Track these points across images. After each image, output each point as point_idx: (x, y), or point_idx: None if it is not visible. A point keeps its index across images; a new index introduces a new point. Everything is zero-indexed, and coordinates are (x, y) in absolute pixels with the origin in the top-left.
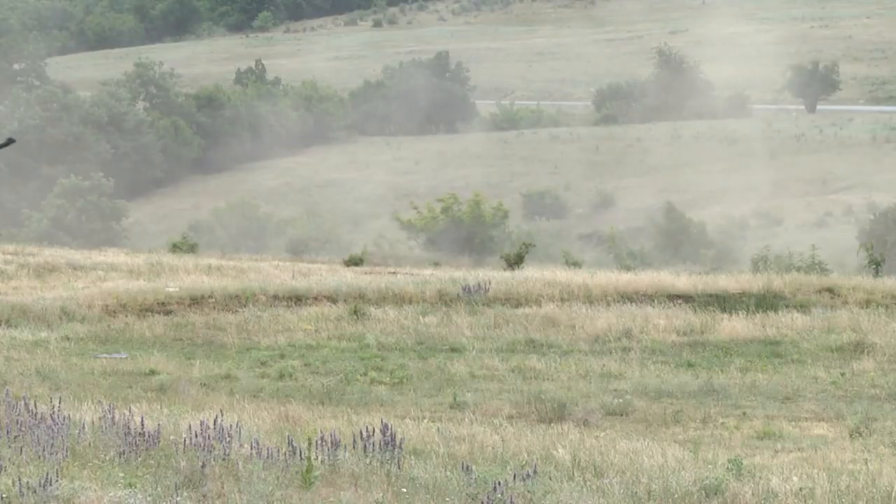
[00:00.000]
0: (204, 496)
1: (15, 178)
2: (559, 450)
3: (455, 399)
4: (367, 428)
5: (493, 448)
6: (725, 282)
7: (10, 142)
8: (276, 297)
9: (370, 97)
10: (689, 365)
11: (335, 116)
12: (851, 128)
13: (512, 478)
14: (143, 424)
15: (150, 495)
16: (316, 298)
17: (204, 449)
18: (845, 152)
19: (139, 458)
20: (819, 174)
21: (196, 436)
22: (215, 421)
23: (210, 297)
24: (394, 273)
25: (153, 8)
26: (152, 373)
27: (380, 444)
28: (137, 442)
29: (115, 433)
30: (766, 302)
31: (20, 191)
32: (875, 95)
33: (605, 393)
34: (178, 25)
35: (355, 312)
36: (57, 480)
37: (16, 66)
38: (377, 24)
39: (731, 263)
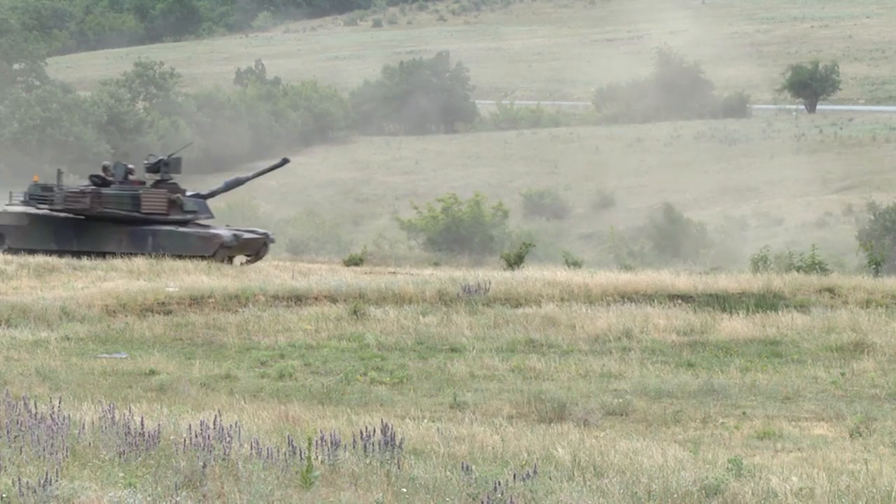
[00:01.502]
0: (204, 496)
1: (15, 178)
2: (559, 450)
3: (455, 399)
4: (367, 428)
5: (493, 448)
6: (725, 282)
7: (284, 162)
8: (276, 297)
9: (370, 97)
10: (689, 365)
11: (335, 116)
12: (851, 128)
13: (512, 478)
14: (143, 424)
15: (150, 495)
16: (316, 298)
17: (204, 449)
18: (845, 152)
19: (139, 458)
20: (819, 174)
21: (196, 436)
22: (215, 421)
23: (210, 297)
24: (394, 273)
25: (153, 8)
26: (152, 373)
27: (380, 444)
28: (137, 442)
29: (115, 433)
30: (766, 302)
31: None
32: (875, 95)
33: (605, 393)
34: (178, 25)
35: (355, 312)
36: (57, 480)
37: (16, 66)
38: (377, 24)
39: (731, 263)
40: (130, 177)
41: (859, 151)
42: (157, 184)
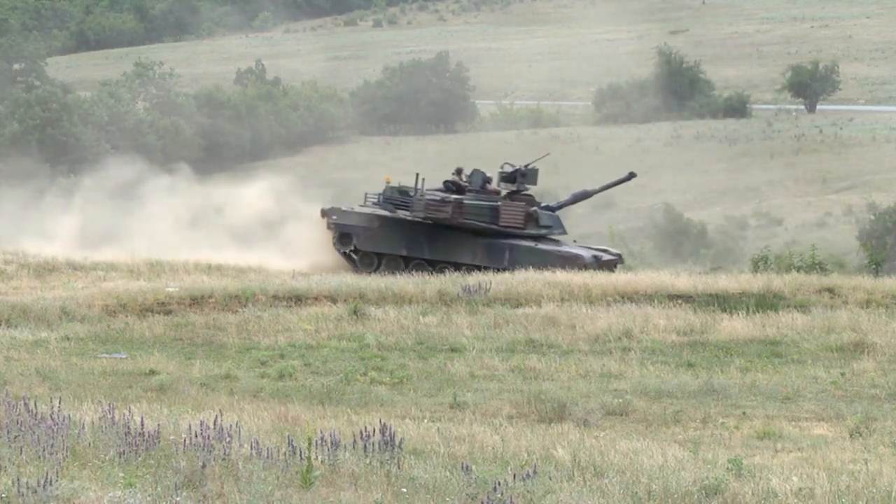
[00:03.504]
0: (204, 496)
1: (15, 178)
2: (559, 450)
3: (455, 399)
4: (367, 428)
5: (493, 448)
6: (725, 282)
7: (631, 176)
8: (276, 297)
9: (370, 97)
10: (689, 365)
11: (335, 116)
12: (851, 128)
13: (512, 478)
14: (143, 424)
15: (150, 495)
16: (316, 298)
17: (204, 449)
18: (845, 152)
19: (139, 458)
20: (819, 174)
21: (196, 436)
22: (215, 421)
23: (210, 297)
24: (394, 273)
25: (153, 8)
26: (152, 373)
27: (380, 444)
28: (137, 442)
29: (115, 433)
30: (766, 302)
31: (19, 191)
32: (875, 95)
33: (605, 393)
34: (178, 25)
35: (355, 312)
36: (57, 480)
37: (16, 66)
38: (377, 24)
39: (731, 263)
40: (487, 186)
41: (859, 151)
42: (511, 195)
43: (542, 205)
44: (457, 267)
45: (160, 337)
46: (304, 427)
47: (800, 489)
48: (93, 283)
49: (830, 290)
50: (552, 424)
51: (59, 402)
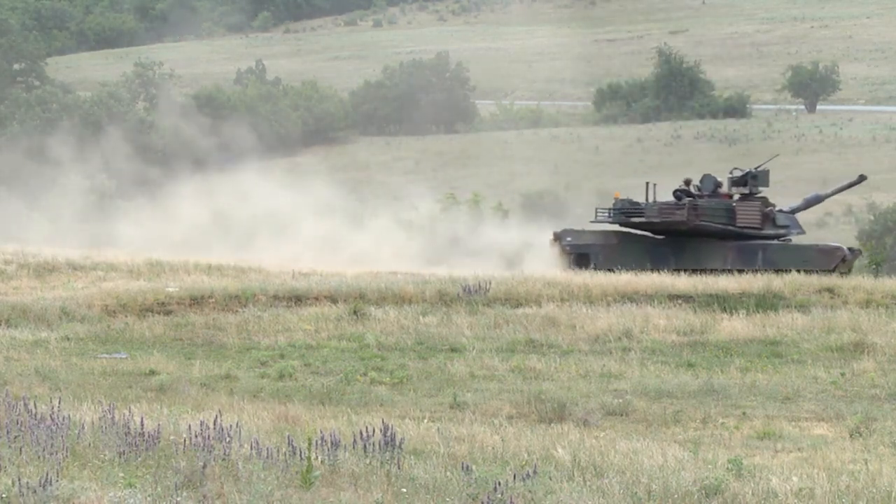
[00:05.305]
0: (204, 496)
1: (14, 178)
2: (559, 450)
3: (455, 399)
4: (367, 428)
5: (493, 448)
6: (725, 282)
7: (861, 179)
8: (276, 297)
9: (370, 97)
10: (689, 365)
11: (335, 116)
12: (851, 128)
13: (512, 478)
14: (143, 424)
15: (150, 495)
16: (316, 298)
17: (204, 449)
18: (845, 152)
19: (139, 458)
20: (819, 174)
21: (196, 436)
22: (215, 421)
23: (210, 297)
24: (394, 273)
25: (153, 8)
26: (152, 373)
27: (380, 444)
28: (137, 442)
29: (115, 433)
30: (766, 302)
31: (20, 191)
32: (875, 95)
33: (605, 393)
34: (178, 25)
35: (355, 312)
36: (57, 480)
37: (16, 66)
38: (377, 24)
39: None
40: (719, 190)
41: (859, 151)
42: (744, 197)
43: (778, 209)
44: (704, 273)
45: (160, 337)
46: (304, 427)
47: (800, 489)
48: (93, 283)
49: (830, 290)
50: (552, 424)
51: (59, 402)
